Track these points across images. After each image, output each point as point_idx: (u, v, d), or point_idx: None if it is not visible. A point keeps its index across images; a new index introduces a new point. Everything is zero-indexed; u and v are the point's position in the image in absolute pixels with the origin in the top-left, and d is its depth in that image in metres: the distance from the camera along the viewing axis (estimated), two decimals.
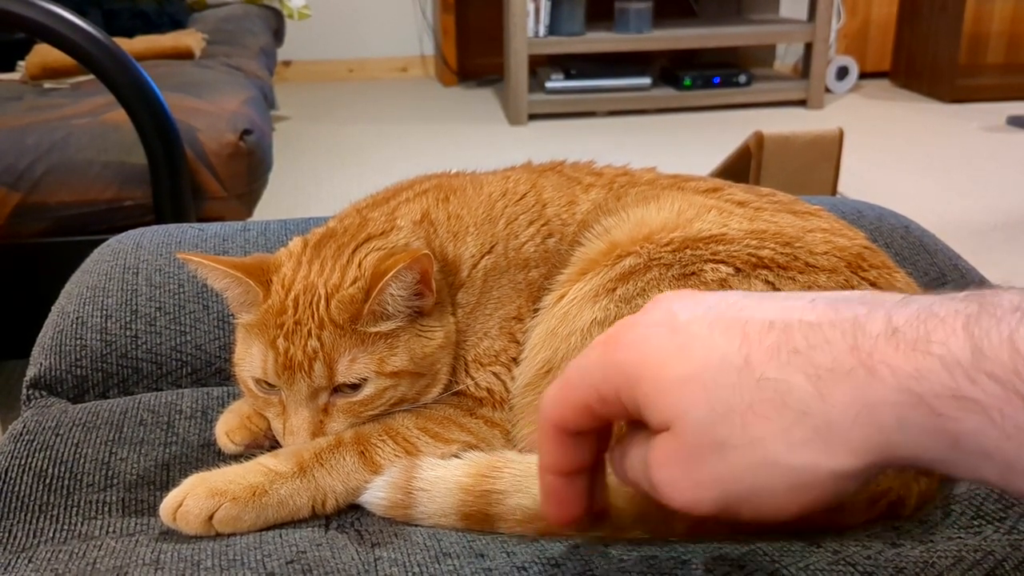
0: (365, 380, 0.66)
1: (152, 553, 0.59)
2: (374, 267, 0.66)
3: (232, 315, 0.72)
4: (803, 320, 0.38)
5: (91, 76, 1.46)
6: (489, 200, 0.77)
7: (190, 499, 0.61)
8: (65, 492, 0.67)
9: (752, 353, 0.38)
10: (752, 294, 0.43)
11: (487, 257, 0.74)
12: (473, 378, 0.71)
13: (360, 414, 0.67)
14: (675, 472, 0.40)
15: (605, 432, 0.47)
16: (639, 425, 0.43)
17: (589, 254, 0.72)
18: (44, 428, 0.73)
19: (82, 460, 0.69)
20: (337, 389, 0.66)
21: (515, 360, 0.72)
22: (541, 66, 4.07)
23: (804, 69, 4.06)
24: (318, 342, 0.64)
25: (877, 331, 0.36)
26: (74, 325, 0.83)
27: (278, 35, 3.46)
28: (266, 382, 0.67)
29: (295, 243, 0.72)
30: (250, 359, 0.67)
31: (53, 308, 0.88)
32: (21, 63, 2.15)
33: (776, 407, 0.37)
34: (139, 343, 0.82)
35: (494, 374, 0.72)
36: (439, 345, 0.69)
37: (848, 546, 0.56)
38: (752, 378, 0.38)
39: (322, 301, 0.65)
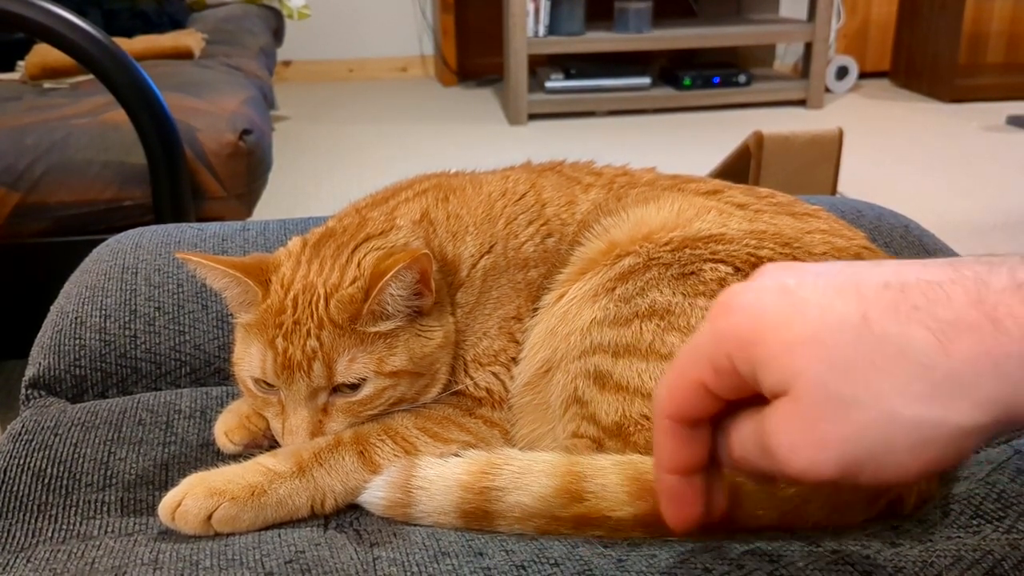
0: (364, 380, 0.66)
1: (151, 553, 0.59)
2: (373, 267, 0.66)
3: (231, 315, 0.72)
4: (920, 279, 0.38)
5: (91, 76, 1.46)
6: (488, 200, 0.77)
7: (189, 499, 0.61)
8: (64, 492, 0.67)
9: (870, 310, 0.38)
10: (859, 263, 0.42)
11: (486, 257, 0.74)
12: (472, 378, 0.71)
13: (359, 414, 0.67)
14: (794, 435, 0.39)
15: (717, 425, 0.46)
16: (744, 405, 0.42)
17: (588, 254, 0.72)
18: (43, 428, 0.73)
19: (81, 460, 0.69)
20: (336, 389, 0.66)
21: (514, 360, 0.72)
22: (541, 66, 4.07)
23: (804, 69, 4.06)
24: (317, 342, 0.64)
25: (1002, 286, 0.36)
26: (73, 325, 0.83)
27: (278, 35, 3.46)
28: (265, 382, 0.67)
29: (294, 243, 0.72)
30: (249, 359, 0.67)
31: (52, 308, 0.88)
32: (21, 63, 2.15)
33: (898, 361, 0.36)
34: (138, 343, 0.82)
35: (493, 374, 0.72)
36: (438, 345, 0.69)
37: (847, 546, 0.56)
38: (872, 334, 0.37)
39: (321, 301, 0.65)
